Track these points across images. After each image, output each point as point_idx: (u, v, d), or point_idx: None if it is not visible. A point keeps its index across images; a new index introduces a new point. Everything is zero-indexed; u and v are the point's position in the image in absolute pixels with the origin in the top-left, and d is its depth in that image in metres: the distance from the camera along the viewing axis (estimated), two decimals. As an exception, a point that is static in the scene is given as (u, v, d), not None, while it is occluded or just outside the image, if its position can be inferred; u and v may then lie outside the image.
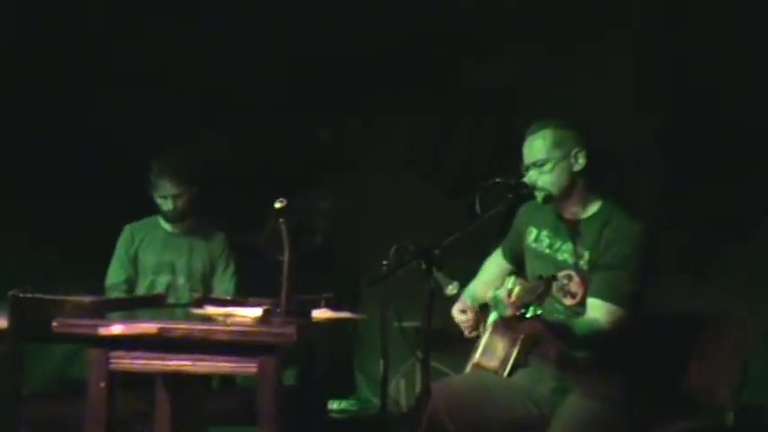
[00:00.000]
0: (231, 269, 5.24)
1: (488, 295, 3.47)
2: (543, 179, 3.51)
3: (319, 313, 3.62)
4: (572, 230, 3.55)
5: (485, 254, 3.95)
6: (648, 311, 3.50)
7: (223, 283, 5.21)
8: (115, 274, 5.17)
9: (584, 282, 3.48)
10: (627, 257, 3.42)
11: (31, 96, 5.65)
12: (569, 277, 3.50)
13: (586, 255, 3.49)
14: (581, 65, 5.30)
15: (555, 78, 5.32)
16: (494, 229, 3.70)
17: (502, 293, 3.23)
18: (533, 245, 3.67)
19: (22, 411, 3.93)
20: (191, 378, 3.64)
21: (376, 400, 5.40)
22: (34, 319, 3.56)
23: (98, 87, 5.79)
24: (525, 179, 3.52)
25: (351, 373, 5.92)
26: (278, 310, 3.32)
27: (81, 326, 3.23)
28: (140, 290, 5.12)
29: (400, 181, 5.85)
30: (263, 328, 3.24)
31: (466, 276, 3.83)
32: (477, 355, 3.61)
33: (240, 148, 5.86)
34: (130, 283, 5.16)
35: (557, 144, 3.52)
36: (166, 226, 5.21)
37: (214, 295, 4.73)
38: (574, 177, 3.53)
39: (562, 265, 3.54)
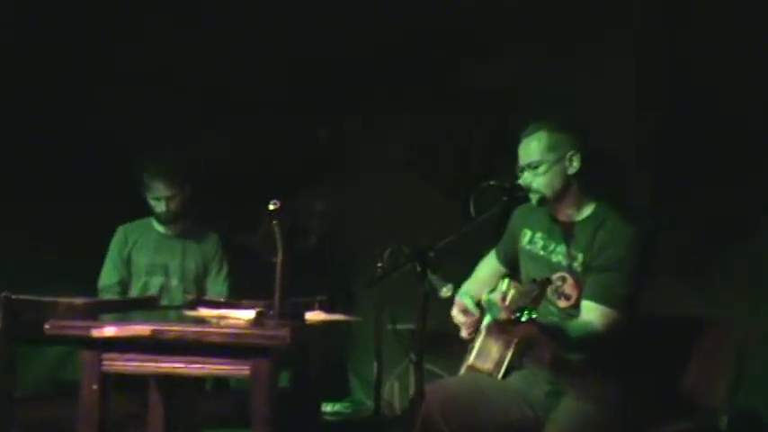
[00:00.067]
0: (225, 271, 5.25)
1: (483, 298, 3.47)
2: (537, 181, 3.51)
3: (313, 315, 3.61)
4: (566, 233, 3.55)
5: (479, 256, 3.95)
6: (642, 313, 3.49)
7: (216, 285, 5.21)
8: (108, 276, 5.17)
9: (579, 284, 3.47)
10: (621, 260, 3.41)
11: (31, 96, 5.64)
12: (563, 279, 3.50)
13: (580, 257, 3.49)
14: (581, 65, 5.28)
15: (555, 78, 5.31)
16: (488, 231, 3.69)
17: (496, 297, 3.23)
18: (528, 247, 3.67)
19: (14, 414, 3.92)
20: (184, 380, 3.64)
21: (370, 403, 5.38)
22: (26, 321, 3.55)
23: (98, 87, 5.79)
24: (520, 181, 3.52)
25: (345, 376, 5.91)
26: (271, 312, 3.32)
27: (74, 327, 3.23)
28: (133, 291, 5.12)
29: (400, 181, 5.84)
30: (256, 331, 3.24)
31: (460, 279, 3.83)
32: (471, 358, 3.60)
33: (240, 148, 5.85)
34: (123, 285, 5.16)
35: (552, 146, 3.52)
36: (160, 227, 5.21)
37: (207, 297, 4.73)
38: (568, 180, 3.53)
39: (556, 267, 3.54)
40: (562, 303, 3.50)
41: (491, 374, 3.51)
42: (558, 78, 5.30)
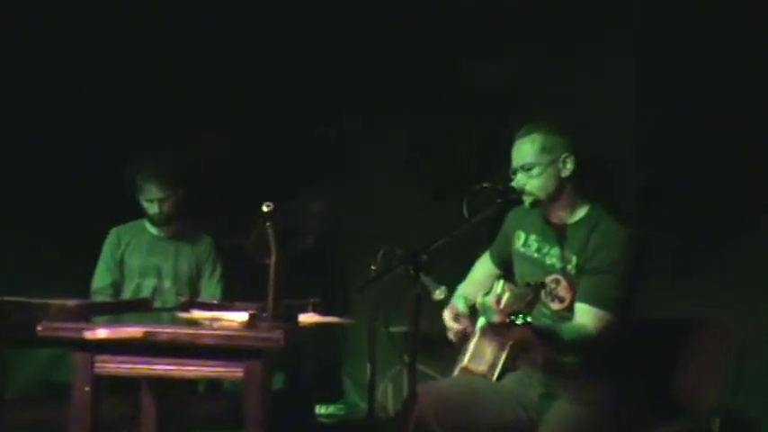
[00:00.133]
0: (218, 273, 5.24)
1: (477, 301, 3.47)
2: (531, 183, 3.51)
3: (306, 318, 3.61)
4: (560, 235, 3.55)
5: (473, 258, 3.95)
6: (635, 315, 3.48)
7: (210, 287, 5.20)
8: (101, 278, 5.17)
9: (572, 286, 3.47)
10: (614, 262, 3.41)
11: (31, 96, 5.64)
12: (557, 282, 3.50)
13: (574, 259, 3.49)
14: (581, 65, 5.26)
15: (555, 78, 5.29)
16: (482, 233, 3.69)
17: (491, 300, 3.23)
18: (522, 249, 3.67)
19: (5, 416, 3.93)
20: (177, 382, 3.63)
21: (363, 405, 5.40)
22: (17, 323, 3.54)
23: (98, 87, 5.79)
24: (513, 183, 3.52)
25: (338, 378, 5.90)
26: (264, 314, 3.31)
27: (66, 329, 3.22)
28: (126, 293, 5.12)
29: (400, 181, 5.83)
30: (249, 333, 3.24)
31: (454, 281, 3.83)
32: (465, 360, 3.60)
33: (240, 148, 5.85)
34: (116, 287, 5.16)
35: (545, 149, 3.52)
36: (152, 229, 5.20)
37: (200, 299, 4.72)
38: (562, 182, 3.53)
39: (550, 270, 3.54)
40: (556, 306, 3.51)
41: (485, 376, 3.52)
42: (558, 78, 5.29)
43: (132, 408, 3.82)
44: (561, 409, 3.41)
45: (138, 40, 5.80)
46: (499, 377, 3.50)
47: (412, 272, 3.20)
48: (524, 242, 3.67)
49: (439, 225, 3.48)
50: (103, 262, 5.20)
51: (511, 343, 3.46)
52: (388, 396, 5.46)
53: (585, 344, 3.39)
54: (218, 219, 5.42)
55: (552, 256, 3.55)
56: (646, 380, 3.59)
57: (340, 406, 5.61)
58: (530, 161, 3.51)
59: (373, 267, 3.39)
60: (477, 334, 3.61)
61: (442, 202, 5.39)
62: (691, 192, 4.92)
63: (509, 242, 3.75)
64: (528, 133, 3.56)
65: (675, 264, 4.88)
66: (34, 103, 5.63)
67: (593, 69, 5.23)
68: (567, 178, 3.53)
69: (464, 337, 3.70)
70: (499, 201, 3.47)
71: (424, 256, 3.21)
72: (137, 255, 5.17)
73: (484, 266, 3.90)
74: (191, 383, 4.18)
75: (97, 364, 3.20)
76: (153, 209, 5.08)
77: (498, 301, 3.19)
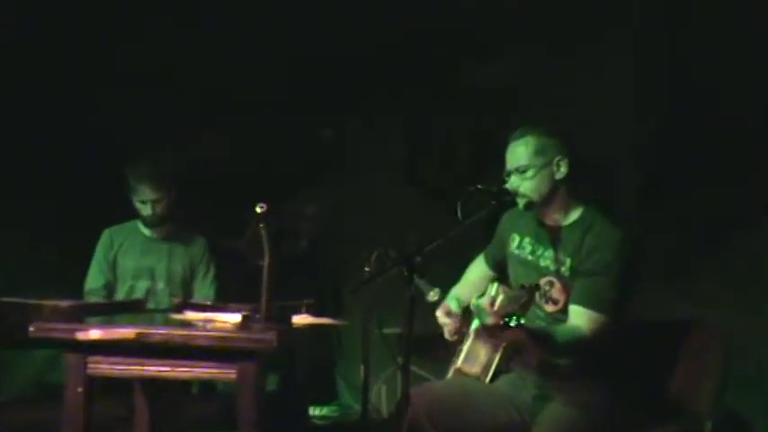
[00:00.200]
0: (212, 274, 5.22)
1: (471, 302, 3.46)
2: (525, 185, 3.51)
3: (300, 319, 3.60)
4: (554, 237, 3.55)
5: (467, 260, 3.95)
6: (630, 317, 3.47)
7: (203, 289, 5.19)
8: (94, 279, 5.15)
9: (566, 288, 3.47)
10: (608, 264, 3.40)
11: (31, 96, 5.64)
12: (551, 284, 3.49)
13: (568, 261, 3.48)
14: (581, 65, 5.27)
15: (555, 78, 5.30)
16: (476, 235, 3.68)
17: (485, 302, 3.22)
18: (516, 251, 3.67)
19: (0, 417, 3.92)
20: (170, 383, 3.63)
21: (357, 407, 5.38)
22: (11, 324, 3.54)
23: (98, 87, 5.80)
24: (507, 185, 3.52)
25: (332, 379, 5.90)
26: (258, 315, 3.31)
27: (58, 330, 3.22)
28: (119, 295, 5.09)
29: (399, 181, 5.83)
30: (243, 334, 3.23)
31: (448, 283, 3.82)
32: (459, 361, 3.60)
33: (240, 148, 5.84)
34: (109, 288, 5.14)
35: (539, 151, 3.51)
36: (146, 230, 5.18)
37: (194, 300, 4.71)
38: (555, 185, 3.52)
39: (544, 272, 3.54)
40: (550, 308, 3.50)
41: (479, 378, 3.51)
42: (558, 78, 5.29)
43: (125, 409, 3.82)
44: (555, 411, 3.40)
45: (138, 40, 5.81)
46: (492, 379, 3.50)
47: (406, 273, 3.19)
48: (519, 244, 3.66)
49: (438, 225, 3.47)
50: (96, 263, 5.18)
51: (504, 345, 3.46)
52: (382, 398, 5.46)
53: (579, 346, 3.38)
54: (218, 219, 5.42)
55: (546, 259, 3.55)
56: (639, 382, 3.58)
57: (334, 407, 5.62)
58: (524, 163, 3.50)
59: (367, 269, 3.39)
60: (471, 336, 3.60)
61: (441, 202, 5.40)
62: (691, 192, 4.92)
63: (504, 245, 3.74)
64: (522, 136, 3.55)
65: (675, 264, 4.89)
66: (34, 103, 5.63)
67: (593, 69, 5.23)
68: (561, 180, 3.52)
69: (459, 332, 3.69)
70: (493, 203, 3.46)
71: (418, 258, 3.20)
72: (130, 256, 5.16)
73: (478, 269, 3.90)
74: (184, 385, 4.18)
75: (90, 366, 3.20)
76: (146, 210, 5.07)
77: (492, 303, 3.17)
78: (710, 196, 4.85)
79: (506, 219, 3.76)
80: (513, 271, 3.68)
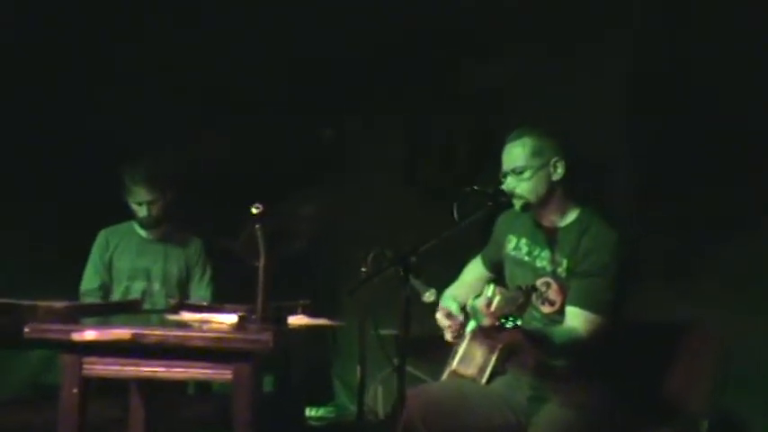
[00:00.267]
0: (208, 275, 5.22)
1: (468, 303, 3.46)
2: (521, 187, 3.50)
3: (296, 320, 3.60)
4: (550, 238, 3.54)
5: (463, 261, 3.94)
6: (626, 318, 3.47)
7: (199, 290, 5.18)
8: (89, 280, 5.14)
9: (563, 289, 3.46)
10: (605, 265, 3.40)
11: (31, 96, 5.64)
12: (547, 285, 3.49)
13: (564, 263, 3.48)
14: (581, 65, 5.26)
15: (555, 78, 5.29)
16: (473, 236, 3.67)
17: (481, 303, 3.21)
18: (513, 253, 3.66)
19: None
20: (165, 384, 3.63)
21: (353, 407, 5.40)
22: (5, 325, 3.53)
23: (98, 87, 5.80)
24: (503, 186, 3.51)
25: (328, 380, 5.90)
26: (254, 316, 3.31)
27: (54, 331, 3.22)
28: (115, 296, 5.08)
29: (399, 181, 5.83)
30: (238, 335, 3.23)
31: (444, 283, 3.82)
32: (454, 363, 3.59)
33: (240, 148, 5.84)
34: (105, 289, 5.13)
35: (536, 152, 3.51)
36: (141, 232, 5.18)
37: (190, 301, 4.69)
38: (552, 186, 3.52)
39: (541, 273, 3.53)
40: (546, 309, 3.49)
41: (474, 380, 3.51)
42: (558, 78, 5.29)
43: (121, 410, 3.82)
44: (550, 413, 3.40)
45: (138, 40, 5.81)
46: (488, 380, 3.49)
47: (401, 274, 3.18)
48: (515, 246, 3.66)
49: (438, 226, 3.46)
50: (92, 264, 5.18)
51: (501, 346, 3.46)
52: (378, 399, 5.46)
53: (576, 347, 3.38)
54: (218, 219, 5.41)
55: (543, 260, 3.54)
56: (635, 383, 3.57)
57: (330, 408, 5.62)
58: (520, 165, 3.50)
59: (363, 269, 3.38)
60: (468, 337, 3.60)
61: (441, 202, 5.39)
62: (690, 192, 4.92)
63: (500, 246, 3.74)
64: (519, 137, 3.54)
65: (675, 264, 4.89)
66: (34, 103, 5.63)
67: (592, 69, 5.23)
68: (558, 182, 3.51)
69: (459, 333, 3.68)
70: (489, 204, 3.45)
71: (414, 259, 3.19)
72: (125, 257, 5.15)
73: (475, 270, 3.89)
74: (180, 385, 4.18)
75: (85, 366, 3.20)
76: (141, 212, 5.06)
77: (489, 305, 3.16)
78: (710, 196, 4.85)
79: (503, 220, 3.76)
80: (509, 272, 3.67)
